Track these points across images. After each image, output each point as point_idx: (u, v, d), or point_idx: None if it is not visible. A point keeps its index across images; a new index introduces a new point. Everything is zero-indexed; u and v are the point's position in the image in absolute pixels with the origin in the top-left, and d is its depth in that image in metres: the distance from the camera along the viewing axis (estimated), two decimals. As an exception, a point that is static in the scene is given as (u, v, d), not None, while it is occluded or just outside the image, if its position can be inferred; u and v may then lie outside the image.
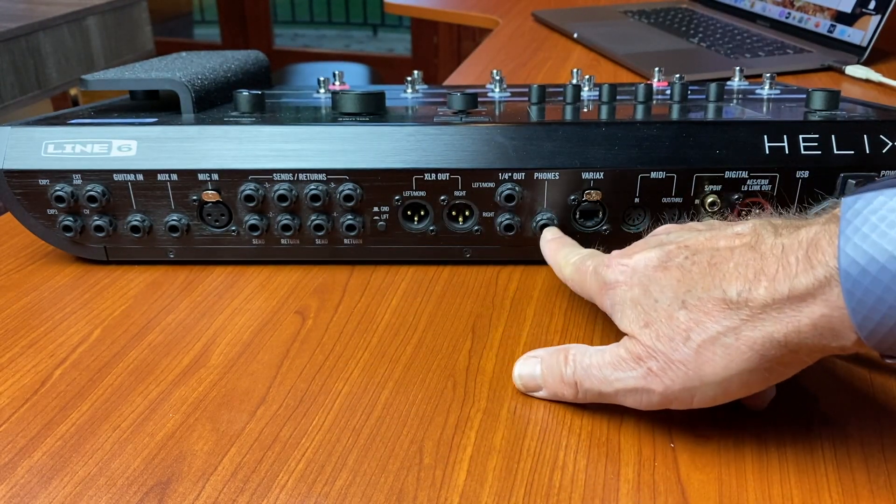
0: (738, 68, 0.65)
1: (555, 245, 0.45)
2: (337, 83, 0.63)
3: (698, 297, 0.31)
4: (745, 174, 0.46)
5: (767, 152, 0.46)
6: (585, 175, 0.47)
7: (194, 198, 0.48)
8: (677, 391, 0.32)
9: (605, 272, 0.36)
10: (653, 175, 0.47)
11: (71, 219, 0.49)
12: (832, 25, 0.99)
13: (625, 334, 0.34)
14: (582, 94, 0.60)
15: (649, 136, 0.47)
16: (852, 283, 0.27)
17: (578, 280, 0.40)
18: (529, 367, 0.37)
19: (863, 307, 0.26)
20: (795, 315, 0.29)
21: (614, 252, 0.37)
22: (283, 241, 0.49)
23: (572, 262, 0.41)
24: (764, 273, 0.30)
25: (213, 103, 0.56)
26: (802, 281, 0.28)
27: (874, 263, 0.26)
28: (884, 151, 0.46)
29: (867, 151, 0.46)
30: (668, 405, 0.33)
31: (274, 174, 0.47)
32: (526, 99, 0.59)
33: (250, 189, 0.47)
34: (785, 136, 0.47)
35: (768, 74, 0.61)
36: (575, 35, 1.14)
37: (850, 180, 0.46)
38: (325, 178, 0.47)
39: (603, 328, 0.43)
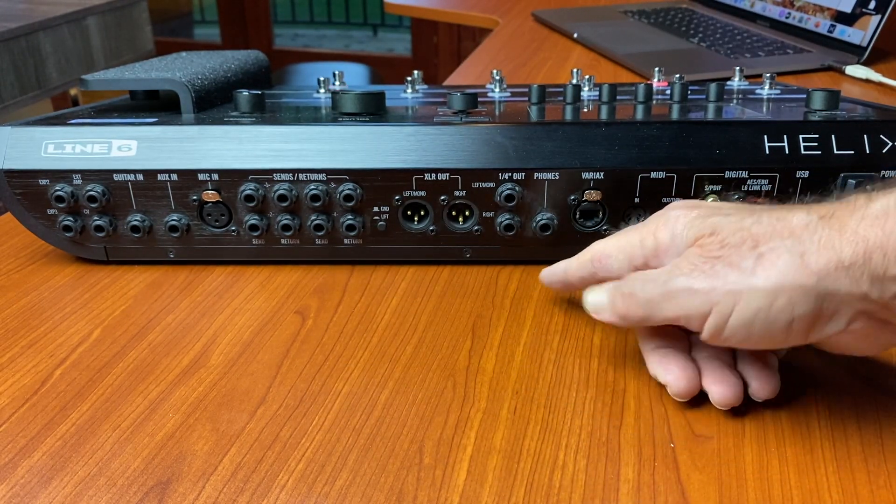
0: (738, 68, 0.65)
1: (551, 267, 0.43)
2: (337, 83, 0.63)
3: (767, 222, 0.32)
4: (745, 174, 0.46)
5: (767, 152, 0.46)
6: (585, 175, 0.47)
7: (194, 198, 0.48)
8: (721, 294, 0.31)
9: (666, 211, 0.36)
10: (653, 175, 0.47)
11: (71, 219, 0.49)
12: (832, 25, 0.99)
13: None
14: (582, 94, 0.60)
15: (649, 136, 0.47)
16: None
17: (614, 242, 0.38)
18: (597, 292, 0.37)
19: None
20: (865, 234, 0.29)
21: (656, 213, 0.37)
22: (283, 241, 0.49)
23: (577, 256, 0.40)
24: (833, 206, 0.31)
25: (213, 103, 0.56)
26: (879, 203, 0.30)
27: None
28: (884, 151, 0.46)
29: (867, 151, 0.46)
30: (705, 315, 0.32)
31: (274, 174, 0.47)
32: (526, 99, 0.59)
33: (250, 189, 0.47)
34: (785, 136, 0.47)
35: (768, 74, 0.61)
36: (575, 35, 1.14)
37: (850, 180, 0.46)
38: (325, 178, 0.47)
39: (603, 328, 0.43)
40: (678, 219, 0.35)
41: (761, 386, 0.35)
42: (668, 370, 0.36)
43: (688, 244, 0.34)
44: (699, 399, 0.37)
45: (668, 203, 0.47)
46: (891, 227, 0.29)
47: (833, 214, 0.31)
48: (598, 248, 0.39)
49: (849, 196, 0.31)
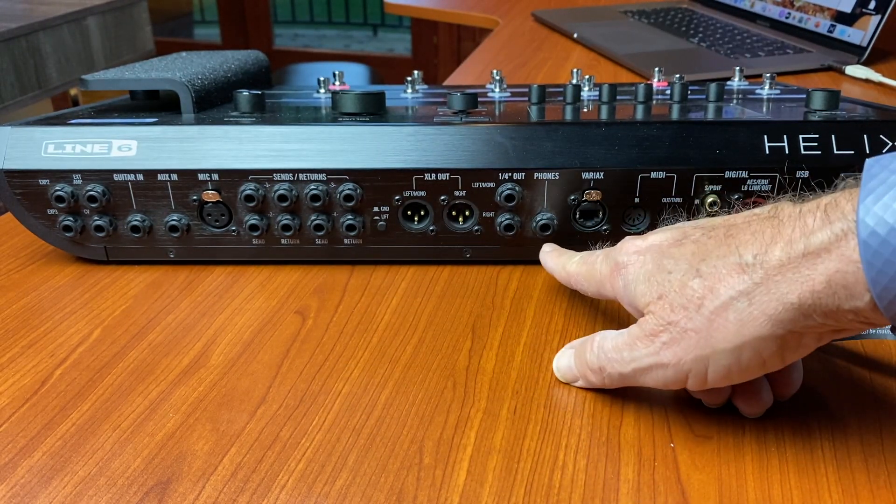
0: (738, 68, 0.65)
1: (555, 253, 0.44)
2: (337, 83, 0.63)
3: (713, 265, 0.31)
4: (745, 174, 0.46)
5: (767, 152, 0.47)
6: (585, 175, 0.47)
7: (194, 198, 0.48)
8: (690, 362, 0.32)
9: (617, 255, 0.36)
10: (653, 175, 0.47)
11: (71, 219, 0.49)
12: (832, 25, 0.99)
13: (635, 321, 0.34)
14: (582, 94, 0.60)
15: (649, 136, 0.47)
16: (868, 233, 0.26)
17: (586, 271, 0.39)
18: (565, 359, 0.38)
19: (878, 260, 0.26)
20: (810, 273, 0.28)
21: (626, 238, 0.37)
22: (283, 241, 0.49)
23: (577, 259, 0.41)
24: (780, 235, 0.29)
25: (213, 103, 0.56)
26: (819, 237, 0.28)
27: (894, 216, 0.26)
28: (884, 151, 0.46)
29: (867, 151, 0.46)
30: (683, 381, 0.33)
31: (274, 174, 0.47)
32: (526, 99, 0.59)
33: (250, 189, 0.47)
34: (785, 136, 0.47)
35: (768, 74, 0.61)
36: (575, 35, 1.14)
37: (850, 180, 0.46)
38: (325, 178, 0.47)
39: (603, 328, 0.43)
40: (628, 266, 0.35)
41: (748, 405, 0.36)
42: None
43: (637, 306, 0.34)
44: (699, 399, 0.37)
45: (667, 203, 0.47)
46: (832, 266, 0.28)
47: (775, 254, 0.29)
48: (573, 270, 0.41)
49: (790, 217, 0.30)
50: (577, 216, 0.48)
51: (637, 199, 0.47)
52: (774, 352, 0.31)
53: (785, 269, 0.29)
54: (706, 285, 0.31)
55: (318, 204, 0.47)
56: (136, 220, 0.49)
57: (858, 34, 0.95)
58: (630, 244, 0.36)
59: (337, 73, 0.64)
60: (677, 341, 0.32)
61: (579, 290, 0.41)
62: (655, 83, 0.64)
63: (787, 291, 0.29)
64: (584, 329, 0.43)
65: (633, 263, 0.35)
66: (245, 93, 0.53)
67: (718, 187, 0.47)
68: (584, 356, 0.37)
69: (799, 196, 0.32)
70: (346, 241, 0.49)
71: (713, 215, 0.47)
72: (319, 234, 0.49)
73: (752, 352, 0.31)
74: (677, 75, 0.63)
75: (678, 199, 0.47)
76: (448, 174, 0.47)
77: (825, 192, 0.31)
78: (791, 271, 0.29)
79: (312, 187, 0.47)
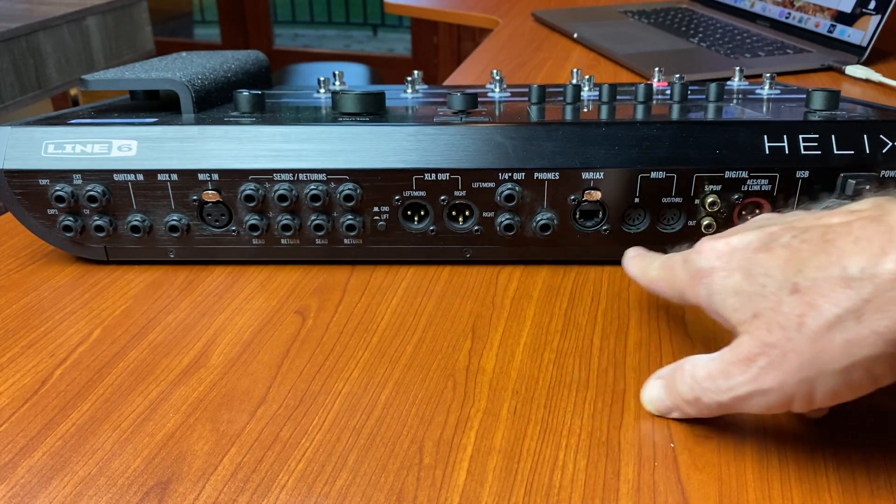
0: (738, 68, 0.65)
1: (638, 258, 0.42)
2: (337, 83, 0.63)
3: (812, 278, 0.28)
4: (745, 174, 0.46)
5: (767, 152, 0.47)
6: (585, 175, 0.47)
7: (194, 198, 0.48)
8: (794, 385, 0.29)
9: (697, 259, 0.33)
10: (653, 175, 0.47)
11: (71, 219, 0.49)
12: (832, 25, 0.99)
13: (728, 335, 0.32)
14: (582, 94, 0.60)
15: (649, 136, 0.47)
16: None
17: (667, 276, 0.37)
18: (655, 391, 0.35)
19: None
20: None
21: (703, 238, 0.34)
22: (283, 241, 0.49)
23: (658, 263, 0.38)
24: (893, 245, 0.27)
25: (213, 103, 0.56)
26: None
27: None
28: (884, 151, 0.46)
29: (867, 151, 0.46)
30: (788, 405, 0.30)
31: (274, 174, 0.47)
32: (526, 99, 0.59)
33: (250, 189, 0.47)
34: (785, 136, 0.47)
35: (768, 74, 0.61)
36: (575, 35, 1.14)
37: (849, 180, 0.46)
38: (325, 178, 0.47)
39: (603, 328, 0.43)
40: (711, 274, 0.32)
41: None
42: None
43: (728, 321, 0.32)
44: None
45: (667, 203, 0.47)
46: None
47: (886, 267, 0.27)
48: (653, 276, 0.38)
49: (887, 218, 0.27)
50: (577, 216, 0.48)
51: (637, 199, 0.47)
52: (888, 367, 0.28)
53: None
54: (805, 301, 0.28)
55: (318, 204, 0.47)
56: (136, 220, 0.49)
57: (858, 34, 0.95)
58: (709, 247, 0.33)
59: (337, 73, 0.64)
60: (778, 365, 0.29)
61: (662, 296, 0.38)
62: (655, 83, 0.64)
63: None
64: (584, 329, 0.43)
65: (717, 272, 0.32)
66: (245, 93, 0.53)
67: (718, 187, 0.47)
68: (676, 387, 0.34)
69: (886, 191, 0.29)
70: (346, 241, 0.49)
71: (713, 215, 0.47)
72: (319, 234, 0.49)
73: (863, 371, 0.28)
74: (677, 75, 0.63)
75: (678, 199, 0.47)
76: (448, 174, 0.47)
77: None
78: None
79: (312, 187, 0.47)
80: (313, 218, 0.48)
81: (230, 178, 0.47)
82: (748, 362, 0.30)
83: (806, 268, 0.29)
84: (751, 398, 0.31)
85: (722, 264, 0.32)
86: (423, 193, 0.48)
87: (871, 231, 0.28)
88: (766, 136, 0.47)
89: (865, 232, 0.28)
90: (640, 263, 0.41)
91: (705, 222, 0.48)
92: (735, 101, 0.57)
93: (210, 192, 0.48)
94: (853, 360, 0.28)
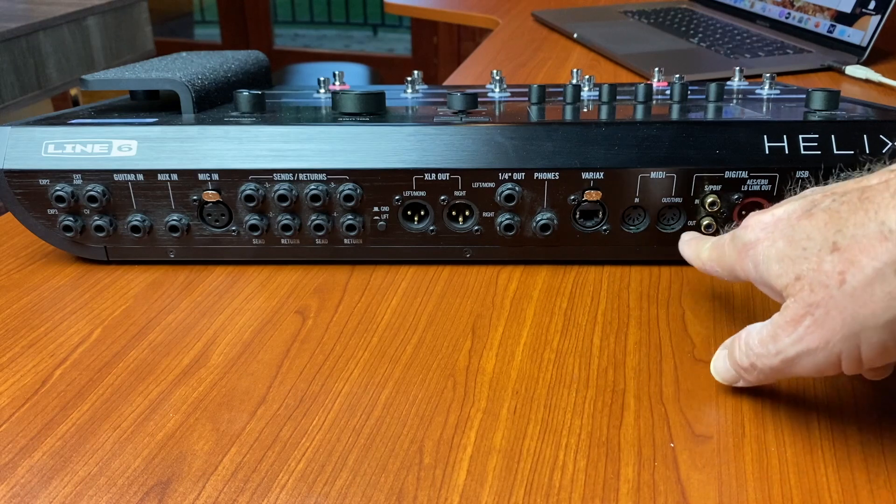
0: (737, 68, 0.65)
1: (693, 241, 0.42)
2: (337, 83, 0.63)
3: (851, 235, 0.28)
4: (744, 174, 0.46)
5: (767, 152, 0.47)
6: (585, 175, 0.47)
7: (194, 198, 0.48)
8: (839, 342, 0.29)
9: (743, 233, 0.34)
10: (653, 175, 0.47)
11: (71, 219, 0.49)
12: (832, 25, 0.99)
13: (775, 305, 0.32)
14: (582, 94, 0.60)
15: (649, 136, 0.47)
16: None
17: (717, 255, 0.37)
18: (720, 361, 0.37)
19: None
20: None
21: (750, 214, 0.35)
22: (283, 241, 0.49)
23: (709, 244, 0.39)
24: None
25: (213, 103, 0.56)
26: None
27: None
28: (884, 151, 0.46)
29: (867, 151, 0.46)
30: (837, 364, 0.30)
31: (274, 174, 0.47)
32: (526, 99, 0.59)
33: (250, 189, 0.47)
34: (785, 136, 0.47)
35: (768, 74, 0.61)
36: (575, 35, 1.14)
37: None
38: (325, 178, 0.47)
39: (603, 328, 0.43)
40: (756, 245, 0.33)
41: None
42: None
43: (775, 288, 0.32)
44: (699, 399, 0.37)
45: (667, 203, 0.47)
46: None
47: None
48: (705, 257, 0.39)
49: None
50: (577, 216, 0.48)
51: (637, 199, 0.47)
52: None
53: None
54: (846, 258, 0.28)
55: (318, 204, 0.47)
56: (137, 220, 0.49)
57: (858, 34, 0.95)
58: (755, 220, 0.33)
59: (337, 73, 0.64)
60: (822, 323, 0.30)
61: (716, 276, 0.39)
62: (655, 83, 0.64)
63: None
64: (584, 329, 0.43)
65: (761, 241, 0.33)
66: (245, 93, 0.53)
67: (718, 187, 0.47)
68: (735, 356, 0.35)
69: None
70: (346, 241, 0.49)
71: (713, 215, 0.47)
72: (319, 234, 0.49)
73: None
74: (677, 75, 0.63)
75: (678, 199, 0.47)
76: (448, 174, 0.47)
77: None
78: None
79: (312, 187, 0.47)
80: (313, 218, 0.48)
81: (230, 178, 0.47)
82: (794, 324, 0.31)
83: (845, 226, 0.29)
84: (799, 359, 0.31)
85: (766, 234, 0.33)
86: (423, 193, 0.48)
87: None
88: (765, 136, 0.47)
89: None
90: (694, 246, 0.41)
91: (705, 222, 0.48)
92: (735, 101, 0.57)
93: (210, 192, 0.48)
94: (894, 313, 0.28)
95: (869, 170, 0.31)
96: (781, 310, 0.32)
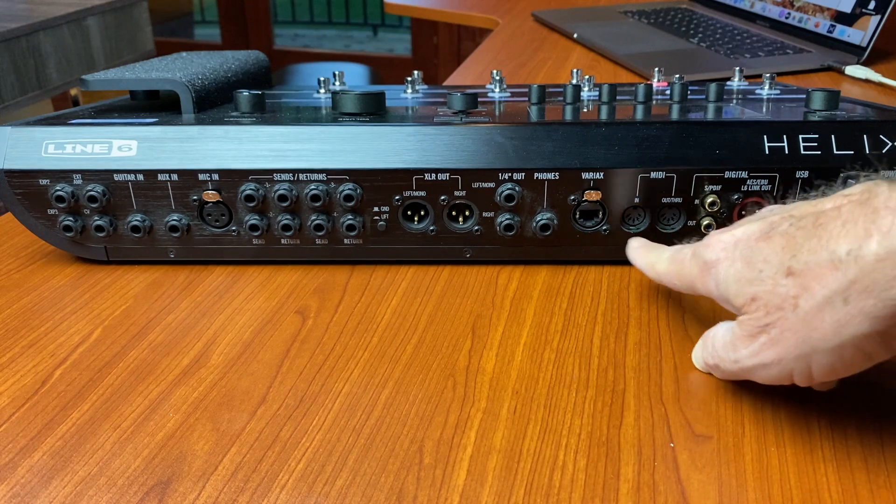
0: (737, 68, 0.65)
1: (644, 249, 0.43)
2: (337, 83, 0.63)
3: (804, 262, 0.30)
4: (744, 174, 0.46)
5: (767, 152, 0.47)
6: (585, 175, 0.47)
7: (194, 198, 0.48)
8: (791, 361, 0.31)
9: (705, 252, 0.35)
10: (653, 175, 0.47)
11: (71, 219, 0.49)
12: (832, 25, 0.99)
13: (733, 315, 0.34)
14: (582, 94, 0.60)
15: (649, 136, 0.47)
16: None
17: (676, 270, 0.38)
18: (698, 350, 0.39)
19: None
20: None
21: (713, 231, 0.36)
22: (283, 241, 0.49)
23: (666, 256, 0.40)
24: (876, 227, 0.28)
25: (213, 103, 0.56)
26: None
27: None
28: (884, 151, 0.46)
29: (867, 151, 0.46)
30: (789, 378, 0.32)
31: (274, 174, 0.47)
32: (526, 99, 0.59)
33: (250, 189, 0.47)
34: (785, 136, 0.47)
35: (768, 74, 0.61)
36: (575, 35, 1.14)
37: (849, 181, 0.46)
38: (325, 178, 0.47)
39: (603, 328, 0.43)
40: (717, 265, 0.34)
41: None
42: None
43: (733, 306, 0.34)
44: (699, 399, 0.37)
45: (667, 203, 0.47)
46: None
47: (871, 248, 0.28)
48: (662, 270, 0.40)
49: (886, 204, 0.28)
50: (577, 216, 0.48)
51: (637, 199, 0.47)
52: (878, 344, 0.29)
53: (882, 264, 0.27)
54: (799, 283, 0.30)
55: (318, 204, 0.47)
56: (137, 220, 0.49)
57: (858, 34, 0.95)
58: (716, 240, 0.35)
59: (337, 73, 0.64)
60: (776, 342, 0.31)
61: (671, 287, 0.40)
62: (655, 83, 0.64)
63: (886, 287, 0.27)
64: (584, 329, 0.43)
65: (721, 262, 0.34)
66: (245, 93, 0.53)
67: (718, 187, 0.47)
68: (704, 352, 0.37)
69: (885, 174, 0.30)
70: (346, 241, 0.49)
71: (713, 215, 0.47)
72: (319, 234, 0.49)
73: (854, 349, 0.30)
74: (677, 75, 0.63)
75: (678, 199, 0.47)
76: (448, 174, 0.47)
77: None
78: (890, 266, 0.27)
79: (312, 187, 0.47)
80: (313, 218, 0.48)
81: (230, 178, 0.47)
82: (751, 339, 0.32)
83: (799, 252, 0.30)
84: (755, 370, 0.33)
85: (726, 255, 0.34)
86: (423, 193, 0.48)
87: (857, 214, 0.29)
88: (765, 136, 0.47)
89: (853, 215, 0.29)
90: (646, 256, 0.42)
91: (705, 222, 0.48)
92: (735, 101, 0.57)
93: (210, 192, 0.48)
94: (842, 339, 0.29)
95: (824, 193, 0.32)
96: (739, 322, 0.33)
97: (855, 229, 0.28)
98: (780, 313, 0.31)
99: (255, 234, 0.49)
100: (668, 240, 0.48)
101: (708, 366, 0.37)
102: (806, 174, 0.46)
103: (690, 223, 0.48)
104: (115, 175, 0.48)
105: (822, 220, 0.30)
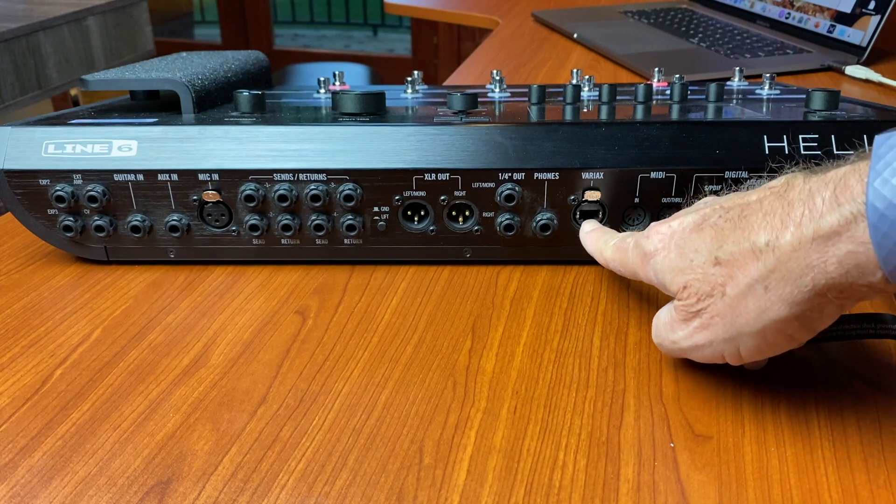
0: (737, 68, 0.65)
1: (595, 234, 0.45)
2: (337, 83, 0.63)
3: (730, 252, 0.32)
4: (744, 174, 0.46)
5: (767, 152, 0.47)
6: (585, 175, 0.47)
7: (195, 198, 0.48)
8: (721, 343, 0.34)
9: (645, 243, 0.37)
10: (653, 175, 0.47)
11: (71, 219, 0.49)
12: (832, 26, 0.99)
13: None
14: (582, 94, 0.60)
15: (649, 136, 0.47)
16: (878, 216, 0.27)
17: (620, 258, 0.41)
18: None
19: (888, 241, 0.27)
20: (821, 256, 0.29)
21: (653, 223, 0.38)
22: (283, 241, 0.49)
23: (612, 244, 0.42)
24: (790, 218, 0.30)
25: (213, 103, 0.56)
26: (828, 220, 0.28)
27: None
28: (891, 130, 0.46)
29: (867, 151, 0.46)
30: (721, 358, 0.35)
31: (274, 174, 0.47)
32: (526, 99, 0.59)
33: (250, 189, 0.47)
34: (785, 136, 0.47)
35: (768, 74, 0.61)
36: (575, 35, 1.14)
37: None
38: (325, 178, 0.47)
39: (603, 328, 0.43)
40: (655, 255, 0.36)
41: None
42: None
43: (669, 292, 0.36)
44: (699, 399, 0.37)
45: (667, 203, 0.47)
46: (843, 248, 0.28)
47: (786, 238, 0.30)
48: (609, 256, 0.42)
49: (800, 196, 0.30)
50: (577, 216, 0.48)
51: (637, 199, 0.47)
52: (798, 328, 0.31)
53: (797, 254, 0.29)
54: (725, 273, 0.32)
55: (318, 204, 0.47)
56: (137, 220, 0.49)
57: (858, 34, 0.95)
58: (655, 231, 0.37)
59: (337, 73, 0.64)
60: (707, 326, 0.34)
61: (618, 273, 0.42)
62: (655, 83, 0.64)
63: (801, 275, 0.29)
64: (584, 329, 0.43)
65: (659, 252, 0.36)
66: (245, 93, 0.53)
67: (718, 187, 0.47)
68: (653, 333, 0.39)
69: (811, 165, 0.32)
70: (346, 241, 0.49)
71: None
72: (319, 234, 0.49)
73: (776, 332, 0.32)
74: (677, 75, 0.63)
75: (678, 199, 0.47)
76: (448, 174, 0.47)
77: (835, 163, 0.30)
78: (803, 255, 0.29)
79: (312, 187, 0.47)
80: (313, 218, 0.48)
81: (230, 178, 0.47)
82: (685, 322, 0.35)
83: (725, 243, 0.32)
84: (691, 350, 0.36)
85: (663, 245, 0.36)
86: (423, 193, 0.48)
87: (776, 206, 0.31)
88: (765, 136, 0.47)
89: (772, 207, 0.31)
90: (596, 242, 0.45)
91: (705, 222, 0.48)
92: (735, 101, 0.57)
93: (210, 192, 0.48)
94: (764, 323, 0.31)
95: (750, 186, 0.35)
96: (675, 307, 0.35)
97: (773, 221, 0.30)
98: (709, 300, 0.33)
99: (255, 234, 0.49)
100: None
101: (658, 343, 0.38)
102: (806, 174, 0.46)
103: (690, 223, 0.48)
104: (115, 175, 0.48)
105: (747, 211, 0.32)
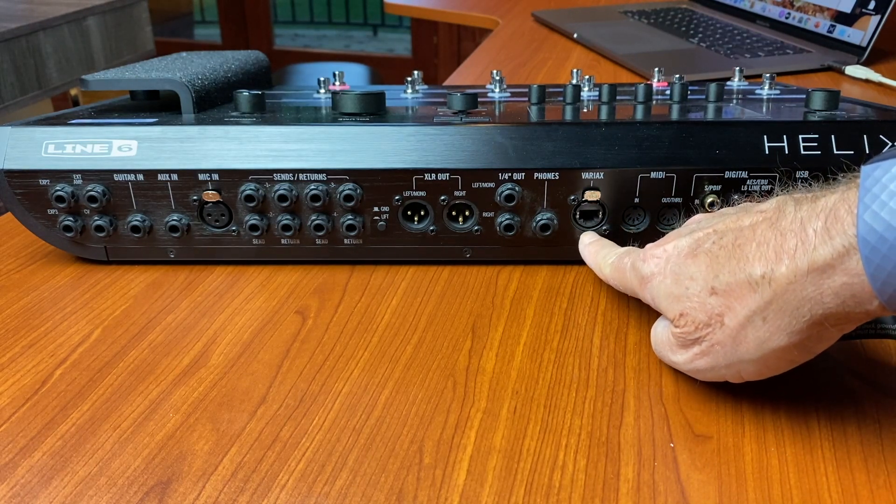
0: (737, 68, 0.65)
1: (594, 248, 0.46)
2: (337, 83, 0.63)
3: (726, 283, 0.32)
4: (744, 174, 0.46)
5: (767, 152, 0.47)
6: (585, 175, 0.47)
7: (194, 198, 0.48)
8: (723, 368, 0.34)
9: (641, 266, 0.37)
10: (653, 175, 0.47)
11: (71, 219, 0.49)
12: (832, 25, 0.99)
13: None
14: (582, 94, 0.60)
15: (649, 136, 0.47)
16: (870, 250, 0.27)
17: (619, 278, 0.41)
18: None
19: (881, 273, 0.27)
20: (817, 289, 0.29)
21: (648, 245, 0.38)
22: (283, 241, 0.49)
23: (610, 262, 0.42)
24: (784, 250, 0.30)
25: (213, 103, 0.56)
26: (821, 253, 0.28)
27: (892, 231, 0.26)
28: (884, 151, 0.46)
29: (867, 151, 0.46)
30: (723, 379, 0.35)
31: (274, 174, 0.47)
32: (526, 99, 0.59)
33: (250, 189, 0.47)
34: (785, 136, 0.47)
35: (768, 74, 0.61)
36: (575, 35, 1.14)
37: (849, 178, 0.46)
38: (325, 178, 0.47)
39: (603, 328, 0.43)
40: (651, 280, 0.37)
41: None
42: None
43: (666, 316, 0.36)
44: (699, 399, 0.37)
45: (667, 203, 0.47)
46: (839, 281, 0.28)
47: (781, 271, 0.30)
48: (607, 274, 0.43)
49: (791, 226, 0.30)
50: (577, 216, 0.48)
51: (637, 199, 0.47)
52: (799, 353, 0.32)
53: (793, 286, 0.29)
54: (723, 303, 0.32)
55: (318, 204, 0.47)
56: (137, 220, 0.49)
57: (858, 34, 0.95)
58: (650, 254, 0.37)
59: (337, 73, 0.64)
60: (707, 353, 0.34)
61: (618, 290, 0.42)
62: (655, 83, 0.64)
63: (798, 307, 0.30)
64: (584, 329, 0.43)
65: (655, 276, 0.36)
66: (245, 93, 0.53)
67: (718, 187, 0.47)
68: (652, 341, 0.39)
69: (800, 187, 0.32)
70: (346, 241, 0.49)
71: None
72: (319, 234, 0.49)
73: (777, 359, 0.32)
74: (677, 75, 0.63)
75: (678, 199, 0.47)
76: (448, 174, 0.47)
77: (824, 190, 0.31)
78: (799, 288, 0.29)
79: (312, 187, 0.47)
80: (313, 218, 0.48)
81: (230, 178, 0.47)
82: (684, 348, 0.35)
83: (721, 272, 0.32)
84: (691, 372, 0.36)
85: (659, 270, 0.36)
86: (423, 193, 0.48)
87: (769, 236, 0.31)
88: (765, 137, 0.47)
89: (765, 237, 0.31)
90: (595, 256, 0.45)
91: (705, 222, 0.48)
92: (735, 101, 0.57)
93: (210, 192, 0.48)
94: (764, 352, 0.32)
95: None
96: (672, 333, 0.36)
97: (767, 252, 0.31)
98: (707, 329, 0.33)
99: (255, 234, 0.49)
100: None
101: (656, 353, 0.39)
102: (806, 174, 0.46)
103: (690, 223, 0.48)
104: (115, 175, 0.48)
105: (741, 239, 0.32)
